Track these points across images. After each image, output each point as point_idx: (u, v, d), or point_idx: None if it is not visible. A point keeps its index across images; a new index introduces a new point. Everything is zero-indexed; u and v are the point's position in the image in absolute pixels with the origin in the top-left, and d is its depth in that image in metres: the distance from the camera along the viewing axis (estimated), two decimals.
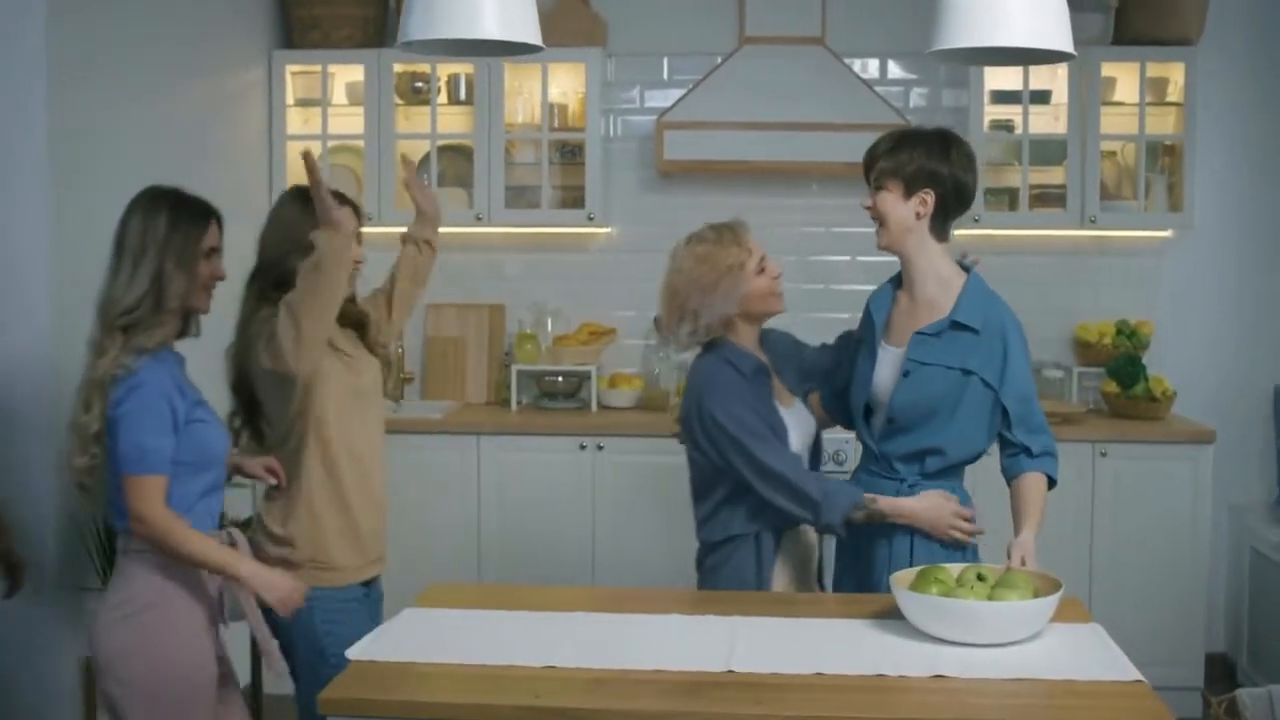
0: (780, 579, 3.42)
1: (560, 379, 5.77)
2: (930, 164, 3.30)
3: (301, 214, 3.34)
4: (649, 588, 3.44)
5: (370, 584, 3.61)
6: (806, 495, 3.25)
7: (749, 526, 3.38)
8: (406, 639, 2.80)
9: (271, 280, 3.41)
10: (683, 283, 3.44)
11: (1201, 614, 5.43)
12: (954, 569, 2.91)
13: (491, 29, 2.65)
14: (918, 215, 3.32)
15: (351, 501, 3.48)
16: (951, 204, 3.34)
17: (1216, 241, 5.86)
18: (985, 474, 3.50)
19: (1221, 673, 5.68)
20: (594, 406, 5.75)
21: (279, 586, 3.12)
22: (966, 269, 3.40)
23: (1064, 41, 2.64)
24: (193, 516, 3.09)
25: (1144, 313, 5.86)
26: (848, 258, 5.83)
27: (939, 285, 3.36)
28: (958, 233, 3.49)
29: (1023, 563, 3.05)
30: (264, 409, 3.49)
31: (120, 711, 3.05)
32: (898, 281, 3.46)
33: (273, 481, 3.47)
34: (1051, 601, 2.76)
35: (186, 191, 3.16)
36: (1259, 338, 5.88)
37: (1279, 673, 5.24)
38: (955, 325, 3.30)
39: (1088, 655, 2.72)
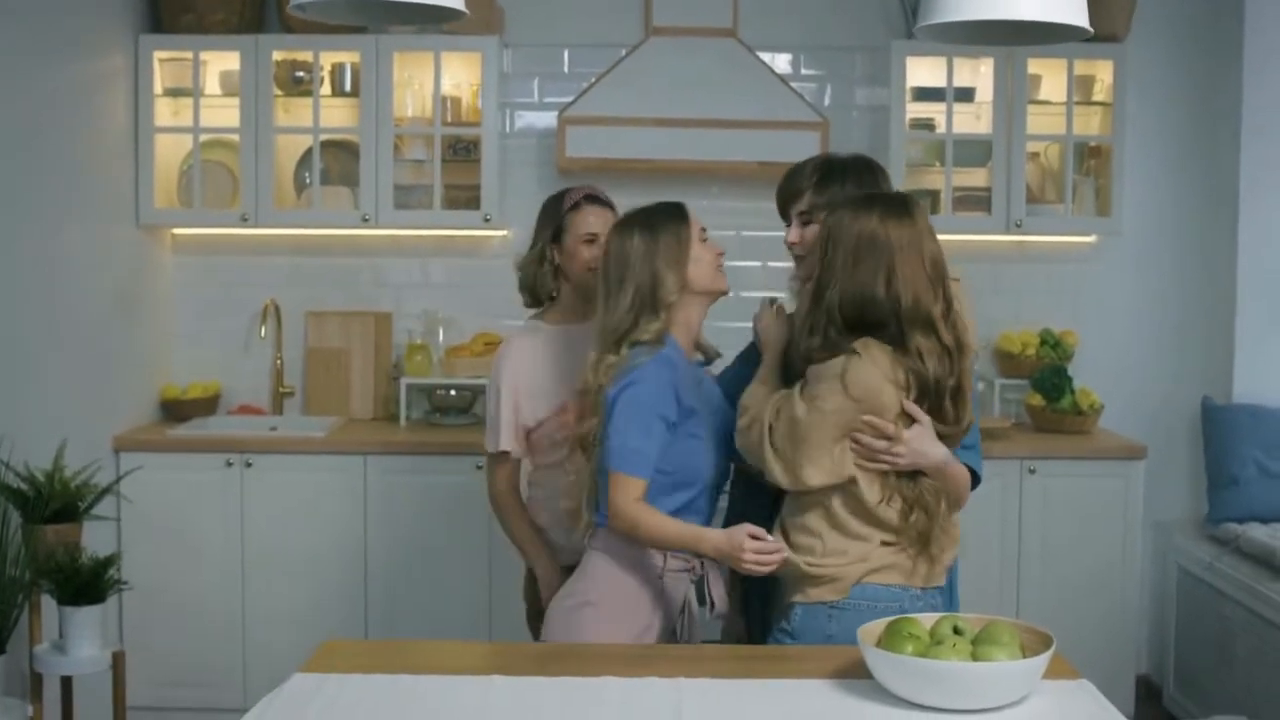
0: None
1: (453, 393, 5.42)
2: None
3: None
4: (569, 642, 3.04)
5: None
6: None
7: None
8: (301, 714, 2.39)
9: None
10: None
11: (1133, 637, 5.20)
12: (925, 620, 2.57)
13: None
14: None
15: None
16: None
17: (1144, 247, 5.63)
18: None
19: (1145, 696, 5.46)
20: None
21: (733, 544, 2.88)
22: None
23: (1078, 15, 2.29)
24: None
25: (1068, 322, 5.63)
26: (758, 263, 5.43)
27: None
28: None
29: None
30: None
31: None
32: None
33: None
34: (1044, 659, 2.43)
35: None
36: (1186, 348, 5.66)
37: (1208, 698, 5.04)
38: None
39: (1084, 718, 2.41)
